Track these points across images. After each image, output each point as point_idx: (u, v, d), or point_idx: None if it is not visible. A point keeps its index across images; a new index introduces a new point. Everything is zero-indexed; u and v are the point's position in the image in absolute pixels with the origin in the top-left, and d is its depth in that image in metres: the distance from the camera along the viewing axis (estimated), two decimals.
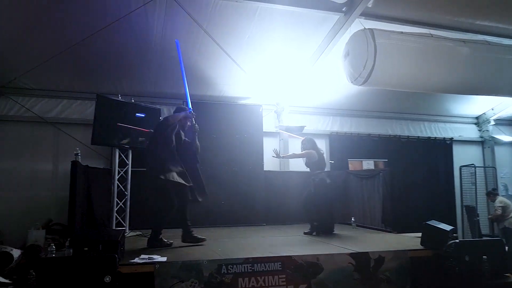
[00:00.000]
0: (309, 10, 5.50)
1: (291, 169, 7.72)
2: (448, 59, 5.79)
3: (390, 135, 8.57)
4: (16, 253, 4.25)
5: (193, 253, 4.31)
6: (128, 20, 5.21)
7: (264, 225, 7.02)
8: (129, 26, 5.33)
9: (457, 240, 4.31)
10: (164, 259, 3.89)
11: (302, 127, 7.41)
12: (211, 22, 5.49)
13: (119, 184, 5.91)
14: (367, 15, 5.56)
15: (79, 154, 5.27)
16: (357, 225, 6.81)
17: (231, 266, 3.89)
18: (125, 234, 5.51)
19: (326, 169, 6.18)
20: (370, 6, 5.37)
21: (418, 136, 8.81)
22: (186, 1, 5.11)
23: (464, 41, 5.85)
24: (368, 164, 7.93)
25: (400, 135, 8.66)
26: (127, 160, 6.03)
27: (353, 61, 5.58)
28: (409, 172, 8.25)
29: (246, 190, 7.09)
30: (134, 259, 3.83)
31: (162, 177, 4.53)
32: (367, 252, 4.36)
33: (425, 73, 5.76)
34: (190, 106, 4.99)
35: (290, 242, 5.15)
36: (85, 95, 6.62)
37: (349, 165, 7.92)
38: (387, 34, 5.51)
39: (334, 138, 8.22)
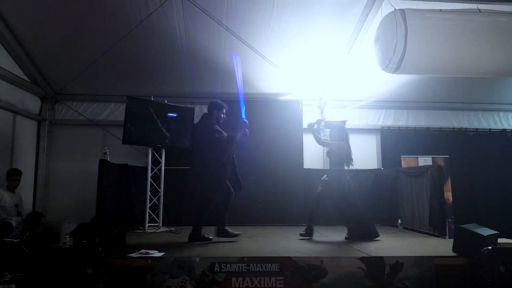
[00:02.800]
0: None
1: None
2: (502, 36, 4.95)
3: (454, 128, 7.63)
4: (15, 221, 4.65)
5: (194, 250, 4.29)
6: (150, 23, 5.39)
7: (304, 225, 6.72)
8: (151, 30, 5.51)
9: (490, 247, 3.63)
10: (160, 254, 3.92)
11: (343, 122, 6.92)
12: (230, 18, 5.42)
13: (153, 182, 6.14)
14: None
15: (108, 153, 5.60)
16: (404, 228, 6.18)
17: (225, 265, 3.77)
18: (157, 230, 5.75)
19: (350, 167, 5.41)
20: None
21: (490, 129, 7.71)
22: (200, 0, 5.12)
23: None
24: (425, 161, 7.14)
25: (466, 128, 7.66)
26: (160, 158, 6.24)
27: (382, 46, 5.04)
28: (476, 170, 7.25)
29: (285, 188, 6.87)
30: (132, 253, 3.93)
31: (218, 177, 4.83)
32: (382, 257, 3.91)
33: (473, 55, 4.95)
34: (244, 117, 5.09)
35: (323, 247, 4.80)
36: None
37: (402, 162, 7.21)
38: (421, 13, 4.88)
39: (386, 133, 7.56)
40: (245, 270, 3.77)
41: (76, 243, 3.73)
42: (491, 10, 5.00)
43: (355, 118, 7.58)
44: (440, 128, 7.60)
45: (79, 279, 3.23)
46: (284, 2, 5.23)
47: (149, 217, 6.02)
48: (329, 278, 3.80)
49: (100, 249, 3.39)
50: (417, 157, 7.23)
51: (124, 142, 5.82)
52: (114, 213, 5.69)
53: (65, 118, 7.09)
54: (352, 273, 3.82)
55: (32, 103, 6.58)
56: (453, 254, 4.02)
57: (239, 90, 5.26)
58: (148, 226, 5.98)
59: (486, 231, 4.02)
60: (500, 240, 4.42)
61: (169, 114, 6.18)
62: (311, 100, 7.43)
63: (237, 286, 3.73)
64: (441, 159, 7.26)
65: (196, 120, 6.86)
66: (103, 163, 5.31)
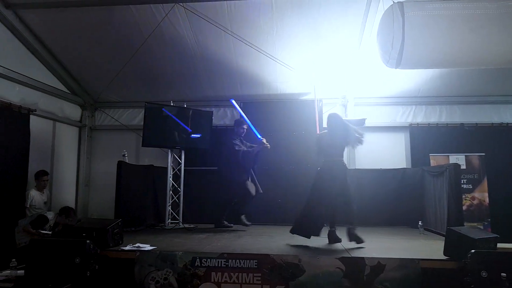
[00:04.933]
0: None
1: (357, 167, 7.11)
2: None
3: (492, 123, 7.02)
4: (50, 215, 5.41)
5: (186, 245, 4.53)
6: (161, 33, 5.77)
7: (325, 225, 6.65)
8: (163, 39, 5.90)
9: (473, 251, 3.39)
10: (150, 248, 4.22)
11: (362, 120, 6.75)
12: (233, 23, 5.61)
13: (174, 183, 6.53)
14: None
15: (126, 155, 6.08)
16: (426, 229, 5.87)
17: (205, 260, 3.97)
18: (177, 226, 6.15)
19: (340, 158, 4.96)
20: None
21: None
22: (202, 7, 5.37)
23: None
24: (457, 159, 6.67)
25: (507, 123, 7.01)
26: (179, 159, 6.61)
27: (381, 41, 4.90)
28: None
29: (305, 189, 6.84)
30: (126, 246, 4.29)
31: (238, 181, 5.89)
32: (363, 258, 3.83)
33: (482, 45, 4.63)
34: (259, 136, 5.98)
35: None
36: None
37: (431, 161, 6.83)
38: (421, 4, 4.67)
39: (415, 131, 7.20)
40: (224, 265, 3.93)
41: (75, 236, 4.17)
42: None
43: (382, 116, 7.35)
44: (477, 123, 7.05)
45: (68, 267, 3.62)
46: (282, 4, 5.29)
47: (170, 215, 6.41)
48: (306, 276, 3.82)
49: (88, 241, 3.75)
50: (448, 156, 6.80)
51: (143, 145, 6.27)
52: (137, 210, 6.15)
53: (104, 124, 7.79)
54: (330, 272, 3.80)
55: (72, 111, 7.33)
56: (444, 257, 3.80)
57: (245, 119, 6.08)
58: (170, 222, 6.38)
59: (480, 234, 3.75)
60: (504, 246, 4.09)
61: (186, 117, 6.51)
62: (333, 99, 7.33)
63: (216, 280, 3.90)
64: (475, 157, 6.77)
65: (214, 123, 7.22)
66: (120, 164, 5.79)
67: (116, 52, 6.27)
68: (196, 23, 5.61)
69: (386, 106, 7.35)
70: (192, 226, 6.22)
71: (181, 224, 6.38)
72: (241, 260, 3.92)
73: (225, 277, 3.90)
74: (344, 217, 4.80)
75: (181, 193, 6.54)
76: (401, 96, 7.28)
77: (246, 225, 5.95)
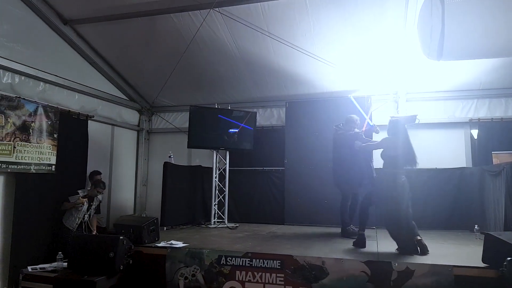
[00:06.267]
0: None
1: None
2: None
3: None
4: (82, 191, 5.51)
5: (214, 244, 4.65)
6: (201, 39, 5.98)
7: (374, 228, 6.37)
8: (205, 44, 6.09)
9: (510, 258, 3.04)
10: (182, 245, 4.40)
11: (413, 117, 6.33)
12: (269, 23, 5.61)
13: (219, 183, 6.72)
14: None
15: (172, 156, 6.38)
16: (482, 233, 5.35)
17: (230, 258, 4.06)
18: (220, 225, 6.29)
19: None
20: None
21: None
22: (237, 11, 5.45)
23: None
24: None
25: None
26: (224, 160, 6.78)
27: (421, 32, 4.60)
28: None
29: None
30: (160, 243, 4.52)
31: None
32: (390, 262, 3.64)
33: None
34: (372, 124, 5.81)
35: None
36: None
37: (494, 159, 6.20)
38: None
39: (476, 127, 6.59)
40: (248, 264, 3.99)
41: (116, 233, 4.51)
42: None
43: (438, 112, 6.84)
44: None
45: (103, 261, 3.92)
46: (316, 1, 5.20)
47: (216, 214, 6.61)
48: (329, 279, 3.74)
49: (121, 237, 4.02)
50: None
51: (189, 146, 6.54)
52: (183, 208, 6.43)
53: (160, 127, 8.26)
54: (354, 276, 3.68)
55: (130, 116, 7.86)
56: (483, 265, 3.47)
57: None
58: (218, 221, 6.58)
59: None
60: None
61: (230, 119, 6.66)
62: (384, 95, 6.97)
63: (240, 279, 3.97)
64: None
65: (262, 123, 7.30)
66: (166, 165, 6.10)
67: (165, 59, 6.59)
68: (233, 27, 5.71)
69: (443, 100, 6.82)
70: (235, 225, 6.35)
71: (226, 223, 6.54)
72: (264, 260, 3.95)
73: (249, 276, 3.96)
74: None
75: (226, 192, 6.70)
76: (459, 90, 6.72)
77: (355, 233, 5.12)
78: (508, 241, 3.28)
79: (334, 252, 4.23)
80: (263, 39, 5.89)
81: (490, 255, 3.40)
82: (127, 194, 7.77)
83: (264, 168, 7.32)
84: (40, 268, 4.10)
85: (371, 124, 5.78)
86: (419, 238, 4.29)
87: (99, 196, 5.51)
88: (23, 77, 5.36)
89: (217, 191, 6.71)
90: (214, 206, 6.62)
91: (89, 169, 6.31)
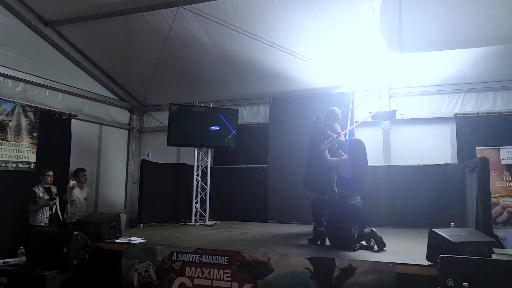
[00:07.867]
0: None
1: (392, 163, 6.54)
2: None
3: None
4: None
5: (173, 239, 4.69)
6: (176, 36, 6.02)
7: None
8: (181, 42, 6.13)
9: (441, 255, 2.91)
10: (142, 242, 4.45)
11: (393, 113, 6.19)
12: (241, 20, 5.59)
13: (201, 181, 6.76)
14: None
15: (150, 154, 6.46)
16: None
17: (181, 254, 4.07)
18: (197, 223, 6.30)
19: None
20: None
21: None
22: (206, 7, 5.45)
23: None
24: (509, 153, 5.72)
25: None
26: (206, 158, 6.81)
27: (381, 24, 4.48)
28: None
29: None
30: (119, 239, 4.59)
31: None
32: (333, 259, 3.56)
33: (487, 20, 3.95)
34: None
35: None
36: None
37: (477, 155, 5.93)
38: None
39: (461, 122, 6.35)
40: (198, 260, 3.99)
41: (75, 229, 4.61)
42: None
43: (423, 107, 6.64)
44: None
45: (58, 255, 4.02)
46: None
47: (198, 212, 6.65)
48: (274, 275, 3.69)
49: (75, 232, 4.11)
50: (499, 149, 5.85)
51: (168, 144, 6.60)
52: (161, 206, 6.49)
53: (150, 126, 8.38)
54: (297, 272, 3.63)
55: (120, 115, 8.02)
56: (426, 262, 3.34)
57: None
58: (200, 219, 6.63)
59: (471, 237, 3.22)
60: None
61: (211, 116, 6.68)
62: (367, 90, 6.83)
63: (190, 275, 3.98)
64: None
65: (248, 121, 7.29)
66: (143, 163, 6.18)
67: (148, 58, 6.66)
68: (206, 24, 5.73)
69: (428, 95, 6.62)
70: (214, 223, 6.37)
71: (207, 220, 6.57)
72: (213, 256, 3.95)
73: (198, 272, 3.96)
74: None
75: (208, 190, 6.73)
76: (445, 84, 6.50)
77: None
78: (449, 238, 3.16)
79: (285, 248, 4.19)
80: (238, 36, 5.88)
81: (432, 252, 3.28)
82: (116, 192, 7.91)
83: (249, 165, 7.31)
84: (4, 262, 4.23)
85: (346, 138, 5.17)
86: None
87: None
88: (1, 78, 5.56)
89: (199, 189, 6.75)
90: (196, 203, 6.66)
91: (74, 167, 6.47)
